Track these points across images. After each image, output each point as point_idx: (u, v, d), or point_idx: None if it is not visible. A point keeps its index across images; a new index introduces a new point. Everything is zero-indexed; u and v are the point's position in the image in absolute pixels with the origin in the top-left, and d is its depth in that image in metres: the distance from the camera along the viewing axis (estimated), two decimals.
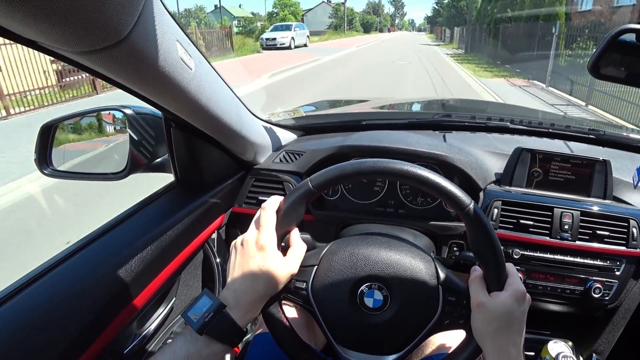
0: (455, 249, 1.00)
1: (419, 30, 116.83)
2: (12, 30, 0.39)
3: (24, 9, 0.34)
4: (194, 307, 0.54)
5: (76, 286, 0.62)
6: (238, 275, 0.56)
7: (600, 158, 0.95)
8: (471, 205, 0.54)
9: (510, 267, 0.58)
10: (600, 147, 1.16)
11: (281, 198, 0.60)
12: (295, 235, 0.60)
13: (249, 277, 0.55)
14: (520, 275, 0.83)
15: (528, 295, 0.56)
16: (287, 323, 0.60)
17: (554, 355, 0.90)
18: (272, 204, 0.59)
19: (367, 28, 70.64)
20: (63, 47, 0.43)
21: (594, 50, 0.72)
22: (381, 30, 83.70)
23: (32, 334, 0.54)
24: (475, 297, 0.55)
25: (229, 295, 0.55)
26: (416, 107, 1.88)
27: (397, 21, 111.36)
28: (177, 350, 0.52)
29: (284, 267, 0.56)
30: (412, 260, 0.59)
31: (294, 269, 0.58)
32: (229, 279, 0.57)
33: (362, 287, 0.58)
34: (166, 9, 0.52)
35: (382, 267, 0.58)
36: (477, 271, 0.58)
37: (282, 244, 0.59)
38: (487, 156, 1.06)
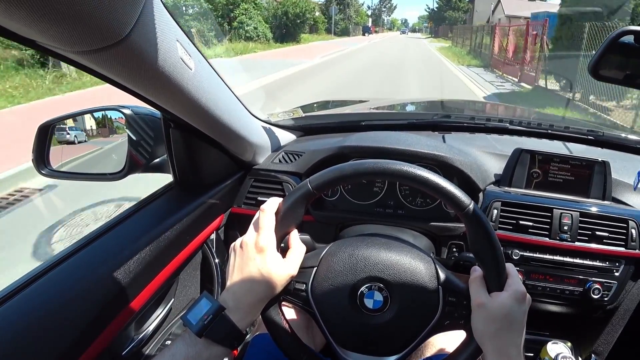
0: (454, 250, 1.00)
1: (414, 30, 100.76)
2: (10, 29, 0.39)
3: (22, 8, 0.34)
4: (193, 309, 0.54)
5: (74, 288, 0.61)
6: (237, 277, 0.55)
7: (600, 159, 0.95)
8: (471, 206, 0.54)
9: (510, 267, 0.58)
10: (599, 148, 1.16)
11: (280, 200, 0.59)
12: (295, 237, 0.60)
13: (249, 279, 0.55)
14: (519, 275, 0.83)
15: (528, 295, 0.56)
16: (287, 325, 0.60)
17: (553, 356, 0.90)
18: (271, 205, 0.58)
19: (282, 36, 23.42)
20: (62, 46, 0.43)
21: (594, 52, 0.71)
22: (345, 33, 43.89)
23: (28, 337, 0.54)
24: (476, 298, 0.55)
25: (229, 298, 0.55)
26: (416, 108, 1.88)
27: (385, 18, 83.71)
28: (176, 353, 0.52)
29: (284, 269, 0.56)
30: (412, 261, 0.59)
31: (294, 270, 0.57)
32: (228, 282, 0.56)
33: (362, 288, 0.57)
34: (166, 8, 0.52)
35: (382, 268, 0.58)
36: (477, 271, 0.58)
37: (282, 244, 0.59)
38: (486, 157, 1.06)
